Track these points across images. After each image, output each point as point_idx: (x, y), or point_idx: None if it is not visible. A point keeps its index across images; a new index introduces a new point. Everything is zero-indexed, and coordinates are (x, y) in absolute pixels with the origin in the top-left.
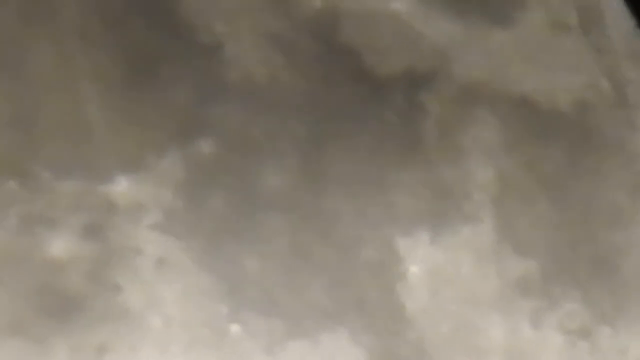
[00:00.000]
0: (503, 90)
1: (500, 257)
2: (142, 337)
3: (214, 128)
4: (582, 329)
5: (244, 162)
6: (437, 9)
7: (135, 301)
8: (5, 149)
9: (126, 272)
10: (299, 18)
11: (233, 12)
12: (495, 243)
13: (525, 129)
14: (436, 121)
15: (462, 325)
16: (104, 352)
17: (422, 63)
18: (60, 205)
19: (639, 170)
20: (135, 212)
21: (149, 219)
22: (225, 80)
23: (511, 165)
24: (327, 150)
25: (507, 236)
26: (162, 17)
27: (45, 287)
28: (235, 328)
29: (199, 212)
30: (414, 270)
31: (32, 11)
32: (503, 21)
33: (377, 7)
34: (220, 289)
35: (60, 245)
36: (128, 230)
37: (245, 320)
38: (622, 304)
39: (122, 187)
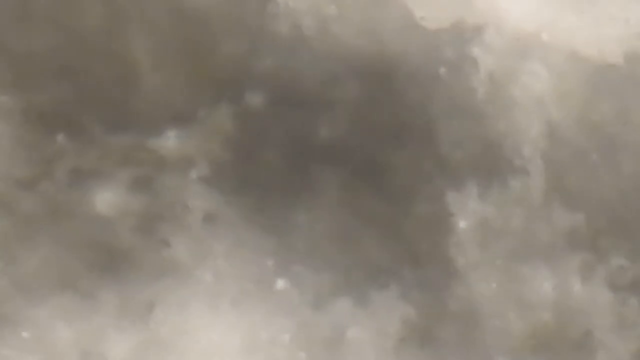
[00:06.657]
0: (553, 42)
1: (549, 211)
2: (191, 291)
3: (264, 80)
4: (633, 285)
5: (294, 115)
6: None
7: (184, 256)
8: (54, 102)
9: (175, 227)
10: None
11: None
12: (545, 196)
13: (576, 81)
14: (486, 74)
15: (511, 279)
16: (153, 306)
17: (472, 15)
18: (110, 159)
19: None
20: (184, 166)
21: (197, 173)
22: (274, 31)
23: (562, 117)
24: (377, 102)
25: (557, 190)
26: None
27: (93, 242)
28: (282, 282)
29: (248, 166)
30: (463, 224)
31: None
32: None
33: None
34: (269, 243)
35: (108, 199)
36: (177, 184)
37: (293, 275)
38: None
39: (171, 141)
